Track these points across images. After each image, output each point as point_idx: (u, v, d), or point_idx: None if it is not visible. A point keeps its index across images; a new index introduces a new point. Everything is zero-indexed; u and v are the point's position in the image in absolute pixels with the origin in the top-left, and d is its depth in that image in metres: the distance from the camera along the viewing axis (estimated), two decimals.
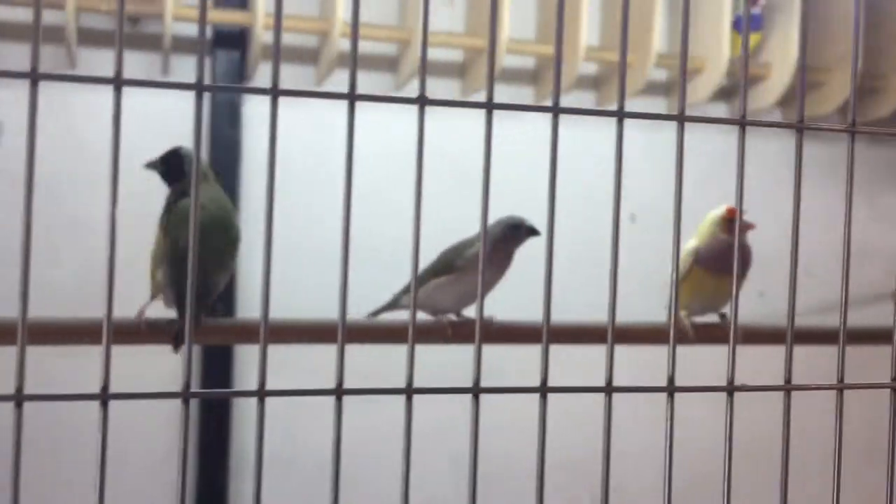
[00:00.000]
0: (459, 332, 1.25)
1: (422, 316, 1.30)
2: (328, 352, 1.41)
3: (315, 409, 1.30)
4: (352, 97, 0.43)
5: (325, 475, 1.57)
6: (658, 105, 1.97)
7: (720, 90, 1.87)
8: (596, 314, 1.27)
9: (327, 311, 1.30)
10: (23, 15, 1.61)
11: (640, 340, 1.24)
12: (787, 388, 0.45)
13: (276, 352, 1.62)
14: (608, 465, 0.43)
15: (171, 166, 1.13)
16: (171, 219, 1.10)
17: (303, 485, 1.73)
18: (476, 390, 0.46)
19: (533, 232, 1.30)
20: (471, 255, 1.28)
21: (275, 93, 0.41)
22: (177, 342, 1.03)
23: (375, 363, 1.40)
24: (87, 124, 1.63)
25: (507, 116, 1.97)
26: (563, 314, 1.62)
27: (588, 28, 1.73)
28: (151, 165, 1.15)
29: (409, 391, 0.45)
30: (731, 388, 0.44)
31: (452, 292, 1.27)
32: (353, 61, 0.45)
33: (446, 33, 1.76)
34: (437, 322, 1.26)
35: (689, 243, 1.37)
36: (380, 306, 1.36)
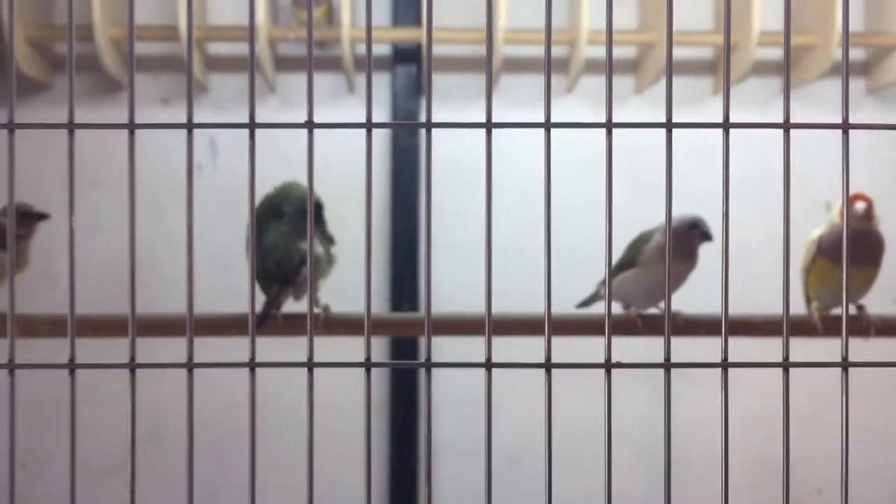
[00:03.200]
0: (650, 325, 1.31)
1: (618, 308, 1.39)
2: (518, 344, 1.51)
3: (499, 401, 1.40)
4: (488, 125, 0.52)
5: (509, 465, 1.66)
6: (855, 85, 1.93)
7: None
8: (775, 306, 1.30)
9: (514, 307, 1.41)
10: (234, 48, 1.84)
11: (763, 333, 1.24)
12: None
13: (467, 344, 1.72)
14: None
15: None
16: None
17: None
18: (609, 365, 0.54)
19: (706, 237, 1.33)
20: (649, 250, 1.34)
21: (429, 125, 0.51)
22: (261, 322, 1.25)
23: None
24: (289, 142, 1.83)
25: (684, 109, 1.98)
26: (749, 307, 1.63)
27: (763, 11, 1.73)
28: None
29: (549, 365, 0.53)
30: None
31: (638, 286, 1.34)
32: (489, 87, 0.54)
33: (618, 31, 1.82)
34: (628, 315, 1.33)
35: (815, 232, 1.33)
36: (585, 298, 1.46)
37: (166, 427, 1.80)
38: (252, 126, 0.49)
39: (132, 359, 0.49)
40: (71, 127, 0.48)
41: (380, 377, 1.84)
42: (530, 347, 1.55)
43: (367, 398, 0.54)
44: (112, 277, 1.80)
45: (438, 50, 1.85)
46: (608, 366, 0.51)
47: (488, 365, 0.52)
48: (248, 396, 0.53)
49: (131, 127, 0.48)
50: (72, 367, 0.47)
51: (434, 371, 1.88)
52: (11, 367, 0.47)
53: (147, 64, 1.85)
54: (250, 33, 0.53)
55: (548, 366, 0.51)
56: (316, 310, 1.31)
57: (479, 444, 1.82)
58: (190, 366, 0.49)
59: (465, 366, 0.56)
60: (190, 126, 0.49)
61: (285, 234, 1.27)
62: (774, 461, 1.62)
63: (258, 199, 1.77)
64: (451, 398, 1.82)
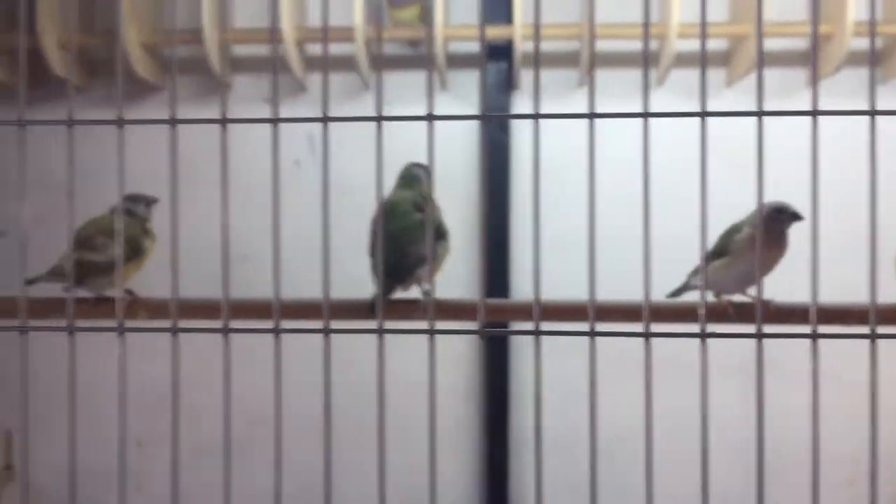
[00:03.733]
0: (741, 312, 1.34)
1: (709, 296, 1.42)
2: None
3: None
4: (591, 115, 0.57)
5: (604, 457, 1.70)
6: None
7: None
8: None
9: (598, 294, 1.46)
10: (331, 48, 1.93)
11: (858, 321, 1.24)
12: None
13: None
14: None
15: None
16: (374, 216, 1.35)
17: (581, 469, 1.88)
18: (704, 335, 0.59)
19: (796, 217, 1.37)
20: (740, 239, 1.38)
21: (537, 116, 0.57)
22: (372, 311, 1.27)
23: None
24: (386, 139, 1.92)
25: (778, 100, 1.98)
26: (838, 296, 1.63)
27: (858, 1, 1.73)
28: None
29: (647, 335, 0.58)
30: None
31: (730, 274, 1.39)
32: (592, 82, 0.60)
33: (709, 23, 1.85)
34: (720, 302, 1.37)
35: None
36: (676, 288, 1.51)
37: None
38: (379, 119, 0.56)
39: (277, 326, 0.56)
40: (224, 121, 0.56)
41: (471, 371, 1.91)
42: (627, 348, 1.59)
43: (482, 365, 0.60)
44: (210, 264, 1.91)
45: (531, 46, 1.91)
46: (703, 335, 0.56)
47: (592, 333, 0.58)
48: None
49: (276, 120, 0.56)
50: (225, 331, 0.55)
51: (528, 364, 1.93)
52: (174, 330, 0.55)
53: (249, 65, 1.96)
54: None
55: (647, 335, 0.56)
56: (421, 296, 1.36)
57: (571, 438, 1.88)
58: (327, 331, 0.56)
59: (571, 334, 0.62)
60: (325, 119, 0.56)
61: (403, 232, 1.32)
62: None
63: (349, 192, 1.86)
64: (545, 393, 1.87)
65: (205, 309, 1.08)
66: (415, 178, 1.40)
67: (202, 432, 1.69)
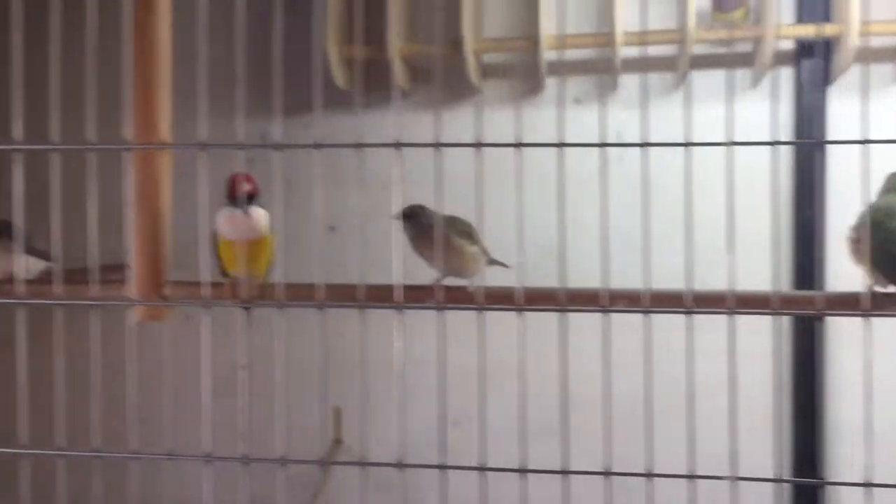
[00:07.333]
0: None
1: None
2: None
3: None
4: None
5: None
6: None
7: None
8: None
9: None
10: (644, 50, 2.13)
11: None
12: None
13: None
14: None
15: None
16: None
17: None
18: None
19: None
20: None
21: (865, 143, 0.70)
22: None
23: None
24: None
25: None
26: None
27: None
28: None
29: None
30: None
31: None
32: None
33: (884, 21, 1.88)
34: None
35: None
36: None
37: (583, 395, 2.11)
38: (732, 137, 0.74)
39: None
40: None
41: (786, 360, 2.02)
42: None
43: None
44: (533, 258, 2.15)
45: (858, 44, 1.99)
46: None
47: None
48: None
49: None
50: (563, 310, 0.76)
51: (836, 352, 2.02)
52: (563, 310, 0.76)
53: (563, 68, 2.21)
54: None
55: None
56: None
57: (881, 425, 1.94)
58: (688, 311, 0.75)
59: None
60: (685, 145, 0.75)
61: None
62: None
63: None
64: (854, 379, 1.96)
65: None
66: None
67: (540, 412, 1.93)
